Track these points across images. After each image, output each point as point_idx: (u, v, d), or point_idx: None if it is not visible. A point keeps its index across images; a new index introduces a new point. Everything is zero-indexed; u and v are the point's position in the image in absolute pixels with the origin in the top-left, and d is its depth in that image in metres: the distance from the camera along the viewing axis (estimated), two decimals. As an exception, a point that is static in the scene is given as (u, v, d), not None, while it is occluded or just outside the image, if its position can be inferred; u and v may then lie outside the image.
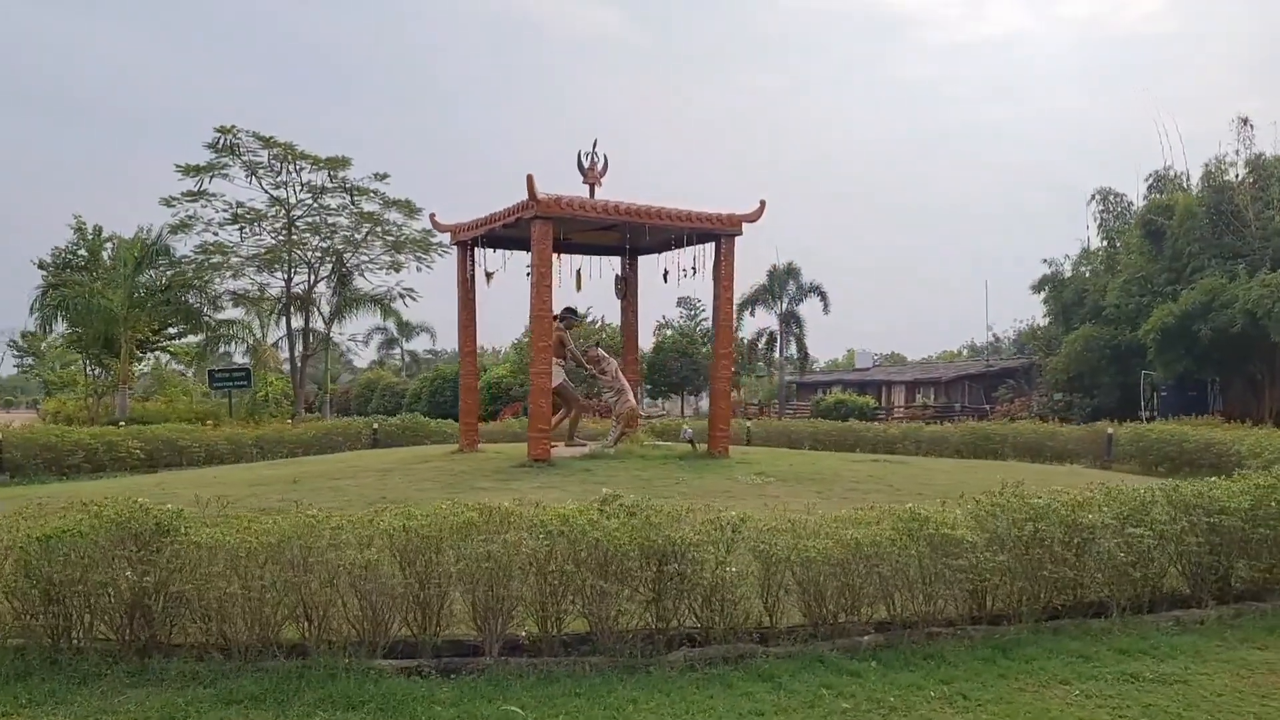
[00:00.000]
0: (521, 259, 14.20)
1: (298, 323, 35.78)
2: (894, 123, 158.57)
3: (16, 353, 67.96)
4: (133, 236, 34.65)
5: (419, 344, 67.98)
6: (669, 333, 47.35)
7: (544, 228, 12.68)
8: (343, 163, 32.31)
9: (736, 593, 5.91)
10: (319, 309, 36.30)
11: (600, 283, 15.95)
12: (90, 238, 37.09)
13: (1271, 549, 7.14)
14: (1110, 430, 18.79)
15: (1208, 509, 7.01)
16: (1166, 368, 30.86)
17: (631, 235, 14.11)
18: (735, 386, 58.74)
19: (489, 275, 14.57)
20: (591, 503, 6.34)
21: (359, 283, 36.04)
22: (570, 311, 14.83)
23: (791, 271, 46.78)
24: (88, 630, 5.68)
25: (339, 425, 23.33)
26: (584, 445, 14.51)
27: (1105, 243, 39.59)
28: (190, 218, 32.43)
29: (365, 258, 35.38)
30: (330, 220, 34.08)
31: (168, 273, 33.99)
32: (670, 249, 14.55)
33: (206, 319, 35.65)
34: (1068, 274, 39.80)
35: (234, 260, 33.60)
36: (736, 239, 13.88)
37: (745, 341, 50.71)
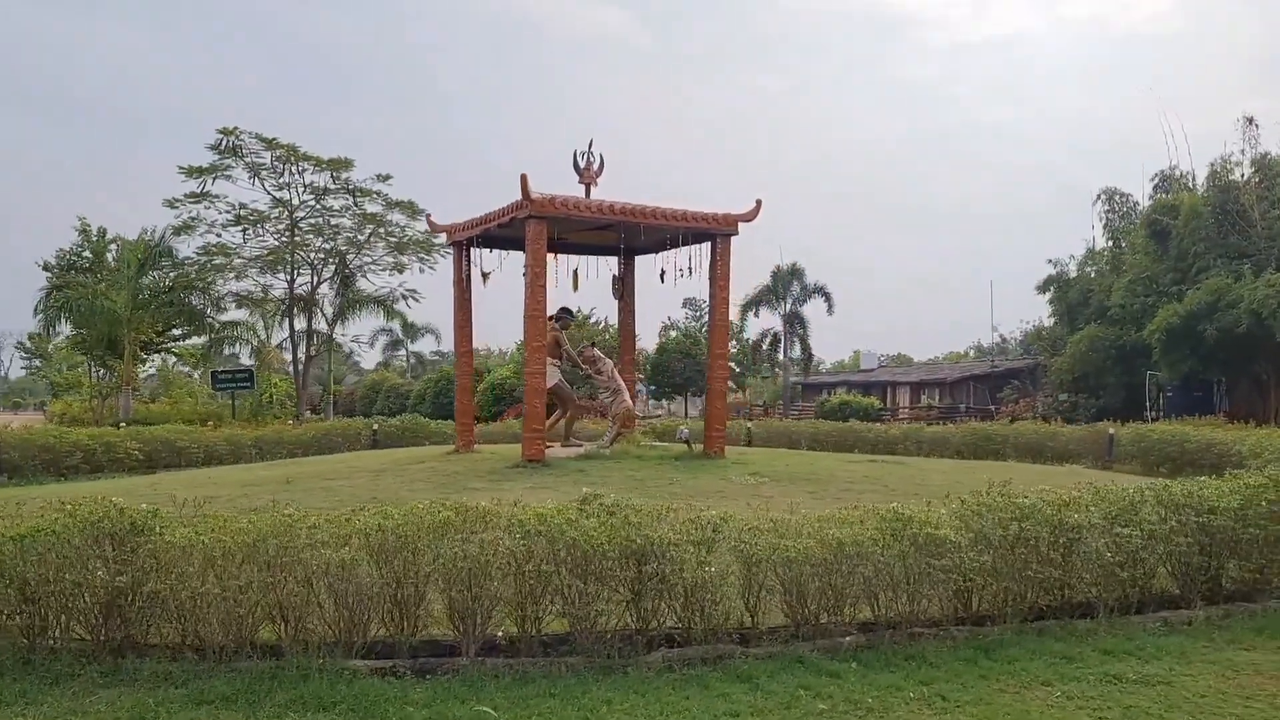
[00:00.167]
0: (519, 259, 14.16)
1: (300, 324, 35.85)
2: (895, 123, 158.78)
3: (24, 355, 68.33)
4: (136, 238, 34.69)
5: (424, 345, 68.16)
6: (673, 334, 47.31)
7: (538, 227, 12.64)
8: (345, 164, 32.31)
9: (717, 593, 5.86)
10: (322, 310, 36.35)
11: (601, 284, 15.95)
12: (94, 239, 37.19)
13: (1261, 549, 7.07)
14: (1111, 431, 18.69)
15: (1197, 509, 6.94)
16: (1171, 368, 30.71)
17: (627, 235, 14.07)
18: (741, 388, 58.80)
19: (485, 275, 14.56)
20: (571, 502, 6.29)
21: (362, 284, 36.10)
22: (566, 311, 14.80)
23: (795, 272, 46.69)
24: (65, 630, 5.67)
25: (338, 426, 23.33)
26: (580, 446, 14.48)
27: (1110, 243, 39.47)
28: (193, 219, 32.48)
29: (368, 259, 35.43)
30: (333, 222, 34.09)
31: (171, 274, 34.05)
32: (667, 249, 14.52)
33: (210, 320, 35.70)
34: (1073, 274, 39.69)
35: (237, 262, 33.64)
36: (733, 239, 13.84)
37: (750, 342, 50.68)
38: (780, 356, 49.93)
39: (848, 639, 6.01)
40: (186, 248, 33.65)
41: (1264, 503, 7.04)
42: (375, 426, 22.30)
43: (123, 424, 23.56)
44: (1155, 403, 31.98)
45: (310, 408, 41.64)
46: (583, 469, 12.33)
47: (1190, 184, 36.28)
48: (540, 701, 5.05)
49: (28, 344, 60.95)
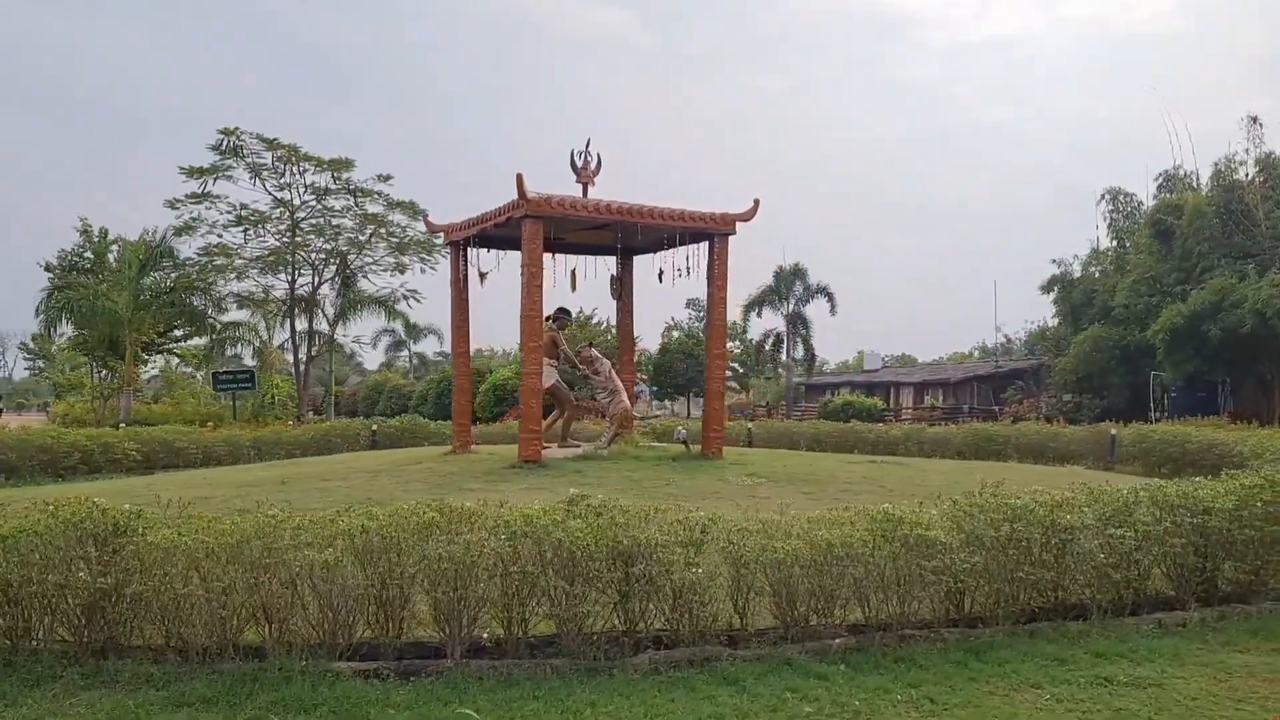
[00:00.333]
0: (517, 259, 14.09)
1: (302, 325, 35.86)
2: (895, 123, 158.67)
3: (28, 356, 68.47)
4: (138, 239, 34.74)
5: (427, 346, 68.10)
6: (676, 334, 47.25)
7: (534, 227, 12.60)
8: (346, 164, 32.32)
9: (705, 595, 5.81)
10: (323, 311, 36.35)
11: (601, 284, 15.88)
12: (96, 240, 37.22)
13: (1257, 550, 7.00)
14: (1113, 431, 18.60)
15: (1191, 510, 6.87)
16: (1176, 368, 30.61)
17: (624, 235, 14.01)
18: (745, 388, 58.73)
19: (483, 276, 14.51)
20: (558, 503, 6.25)
21: (363, 284, 36.11)
22: (563, 312, 14.75)
23: (798, 272, 46.60)
24: (49, 631, 5.63)
25: (337, 427, 23.29)
26: (577, 446, 14.44)
27: (1115, 243, 39.37)
28: (195, 220, 32.50)
29: (369, 259, 35.42)
30: (334, 222, 34.10)
31: (172, 275, 34.05)
32: (664, 249, 14.47)
33: (211, 321, 35.71)
34: (1077, 274, 39.59)
35: (238, 262, 33.63)
36: (732, 239, 13.79)
37: (753, 343, 50.61)
38: (783, 357, 49.85)
39: (837, 641, 5.95)
40: (188, 248, 33.74)
41: (1259, 504, 6.98)
42: (374, 427, 22.26)
43: (122, 425, 23.55)
44: (1160, 403, 31.85)
45: (313, 409, 41.64)
46: (579, 470, 12.29)
47: (1194, 184, 36.19)
48: (524, 704, 5.00)
49: (31, 345, 61.08)
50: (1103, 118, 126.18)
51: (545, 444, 14.13)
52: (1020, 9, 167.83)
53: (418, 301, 37.02)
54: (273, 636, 5.54)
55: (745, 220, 13.75)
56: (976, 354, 66.09)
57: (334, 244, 34.65)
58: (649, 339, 50.47)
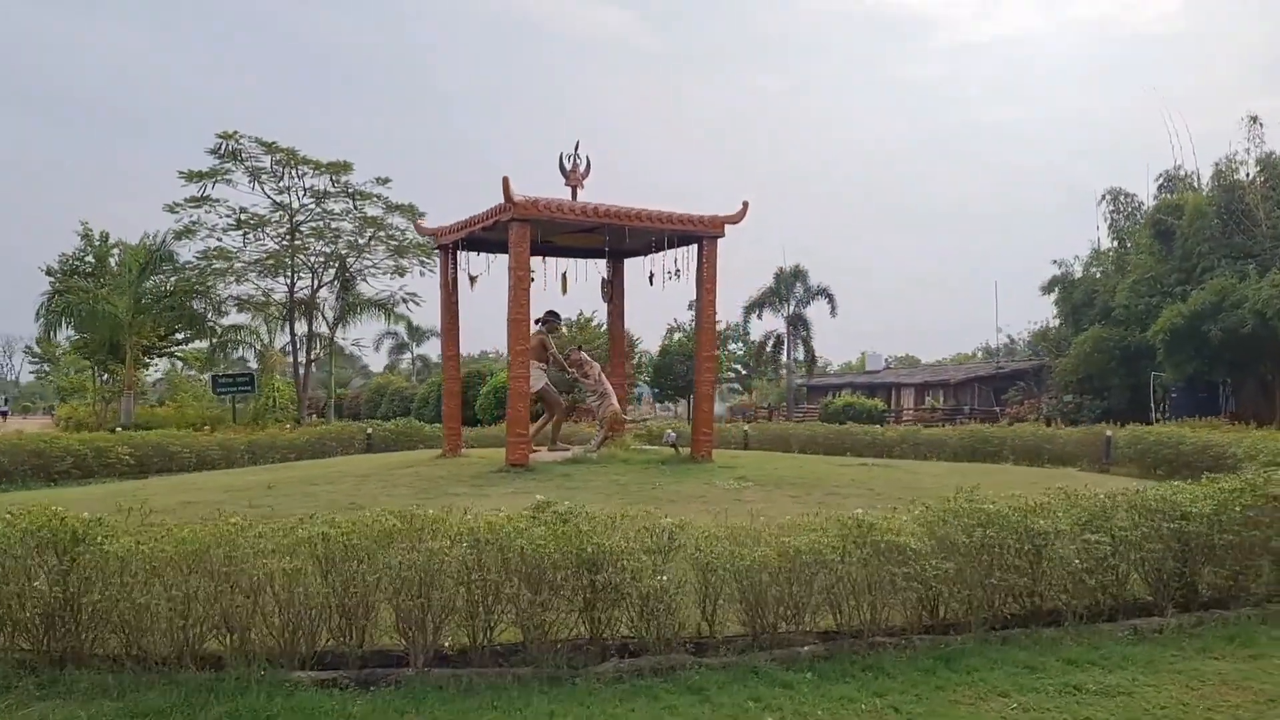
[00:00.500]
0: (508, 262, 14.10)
1: (301, 328, 35.85)
2: (896, 123, 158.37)
3: (33, 359, 68.67)
4: (138, 242, 34.81)
5: (430, 349, 68.11)
6: (678, 336, 47.16)
7: (521, 230, 12.57)
8: (344, 167, 32.34)
9: (672, 602, 5.75)
10: (323, 314, 36.35)
11: (597, 287, 15.85)
12: (97, 244, 37.29)
13: (1236, 555, 6.92)
14: (1109, 433, 18.48)
15: (1169, 514, 6.80)
16: (1176, 369, 30.44)
17: (613, 238, 14.00)
18: (748, 390, 58.66)
19: (473, 279, 14.49)
20: (522, 510, 6.20)
21: (362, 287, 36.09)
22: (553, 314, 14.71)
23: (798, 274, 46.50)
24: (9, 640, 5.58)
25: (332, 430, 23.26)
26: (567, 450, 14.40)
27: (1115, 243, 39.20)
28: (194, 223, 32.55)
29: (368, 262, 35.42)
30: (333, 225, 34.10)
31: (172, 279, 34.09)
32: (653, 251, 14.44)
33: (211, 324, 35.75)
34: (1078, 274, 39.43)
35: (237, 265, 33.65)
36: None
37: (754, 344, 50.53)
38: (784, 358, 49.76)
39: (806, 649, 5.88)
40: (187, 252, 33.78)
41: (1238, 508, 6.89)
42: (369, 431, 22.25)
43: (118, 428, 23.56)
44: (1161, 405, 31.69)
45: (316, 412, 41.67)
46: (567, 473, 12.25)
47: (1195, 184, 36.00)
48: (481, 714, 4.95)
49: (36, 348, 61.27)
50: (1104, 118, 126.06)
51: (535, 447, 14.12)
52: (1022, 9, 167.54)
53: (417, 304, 37.05)
54: (234, 646, 5.49)
55: (734, 223, 13.72)
56: (980, 355, 65.92)
57: (333, 247, 34.66)
58: (650, 341, 50.47)
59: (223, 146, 31.08)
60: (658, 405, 52.98)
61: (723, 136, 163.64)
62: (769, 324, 49.08)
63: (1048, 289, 39.75)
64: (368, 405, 53.14)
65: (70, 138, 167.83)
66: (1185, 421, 21.95)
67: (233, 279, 34.14)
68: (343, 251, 34.77)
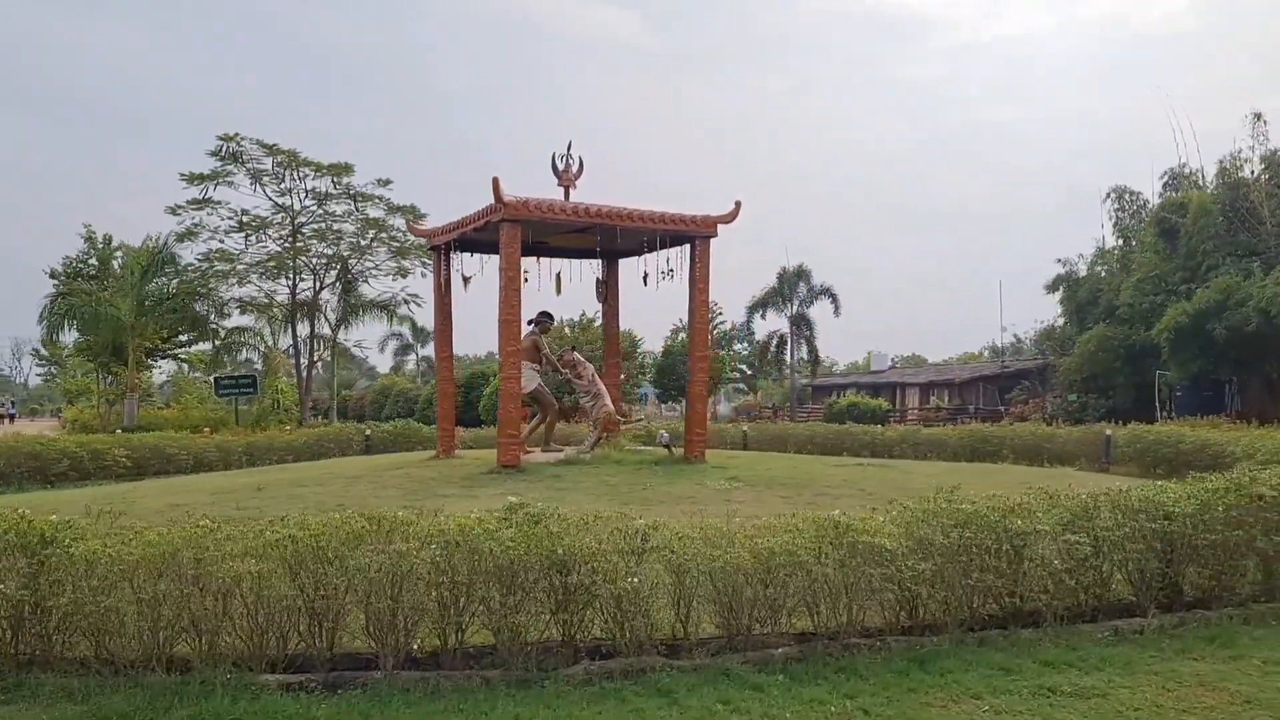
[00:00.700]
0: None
1: (303, 330, 35.91)
2: (896, 123, 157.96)
3: (40, 362, 68.95)
4: (140, 244, 34.91)
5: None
6: (681, 336, 47.06)
7: (512, 230, 12.54)
8: (346, 169, 32.39)
9: (644, 604, 5.70)
10: (325, 315, 36.39)
11: (591, 288, 15.84)
12: (100, 246, 37.40)
13: (1219, 554, 6.84)
14: (1108, 432, 18.38)
15: (1152, 514, 6.73)
16: (1181, 367, 30.27)
17: (605, 238, 13.94)
18: (753, 390, 58.55)
19: (466, 280, 14.46)
20: (492, 511, 6.16)
21: (364, 289, 36.12)
22: (546, 315, 14.67)
23: (802, 274, 46.42)
24: (-18, 644, 5.57)
25: (330, 431, 23.27)
26: (560, 451, 14.36)
27: (1120, 241, 39.02)
28: (196, 225, 32.63)
29: (370, 264, 35.44)
30: (335, 227, 34.14)
31: (174, 281, 34.16)
32: (646, 251, 14.39)
33: (214, 326, 35.82)
34: (1083, 273, 39.26)
35: (239, 268, 33.71)
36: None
37: (759, 345, 50.43)
38: (788, 358, 49.67)
39: (780, 651, 5.83)
40: (189, 254, 33.85)
41: (1221, 507, 6.82)
42: (368, 432, 22.25)
43: (118, 430, 23.59)
44: (1166, 403, 31.52)
45: (321, 414, 41.71)
46: (558, 474, 12.21)
47: (1200, 182, 35.81)
48: (447, 717, 4.92)
49: (43, 351, 61.50)
50: (1106, 117, 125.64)
51: (529, 449, 14.10)
52: (1030, 8, 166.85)
53: (419, 305, 37.08)
54: (203, 649, 5.46)
55: (726, 222, 13.66)
56: (986, 354, 65.73)
57: (335, 249, 34.70)
58: (653, 341, 50.35)
59: (224, 149, 31.16)
60: (663, 406, 52.89)
61: (723, 136, 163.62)
62: (773, 324, 49.07)
63: (1052, 287, 39.59)
64: (372, 407, 53.23)
65: (70, 138, 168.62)
66: (1186, 420, 21.81)
67: (235, 281, 34.24)
68: (345, 253, 34.81)
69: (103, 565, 5.34)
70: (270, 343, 39.87)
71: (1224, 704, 5.19)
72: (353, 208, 33.48)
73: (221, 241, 33.06)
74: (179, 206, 32.10)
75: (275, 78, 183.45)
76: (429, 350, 68.05)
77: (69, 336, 36.77)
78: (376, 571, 5.39)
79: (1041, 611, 6.43)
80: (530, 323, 14.05)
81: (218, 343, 37.60)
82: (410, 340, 63.60)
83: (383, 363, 78.38)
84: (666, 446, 14.15)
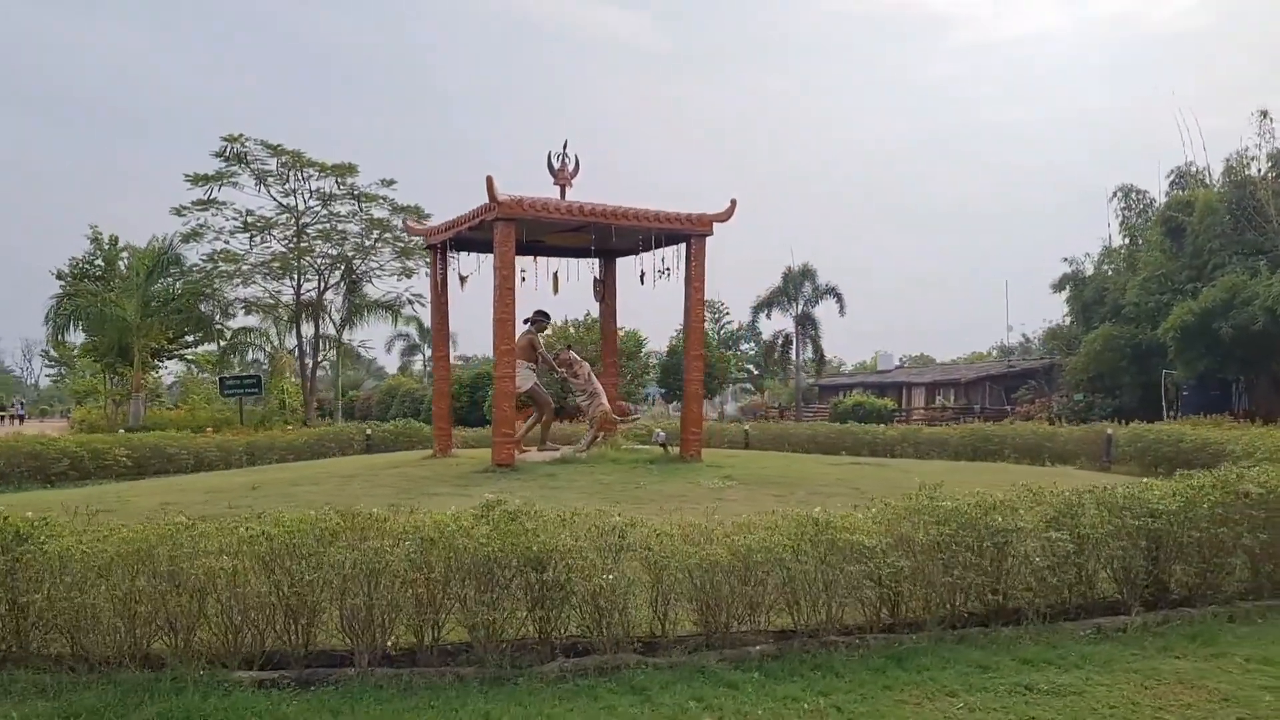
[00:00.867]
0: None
1: (308, 330, 35.98)
2: (896, 123, 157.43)
3: (50, 363, 69.23)
4: (145, 246, 35.03)
5: (443, 350, 68.02)
6: (684, 336, 47.05)
7: (506, 229, 12.53)
8: (350, 169, 32.48)
9: (620, 601, 5.68)
10: (330, 316, 36.46)
11: (588, 287, 15.82)
12: (106, 248, 37.54)
13: (1205, 552, 6.79)
14: (1109, 431, 18.30)
15: (1136, 511, 6.68)
16: (1187, 367, 30.12)
17: (601, 237, 13.92)
18: (760, 390, 58.48)
19: (463, 279, 14.44)
20: (469, 509, 6.15)
21: (369, 289, 36.21)
22: (542, 314, 14.65)
23: (807, 273, 46.29)
24: (-40, 641, 5.58)
25: (331, 431, 23.33)
26: (556, 450, 14.34)
27: (1127, 240, 38.87)
28: (201, 226, 32.76)
29: (375, 264, 35.52)
30: (340, 227, 34.23)
31: (179, 281, 34.29)
32: (642, 250, 14.37)
33: (219, 327, 35.94)
34: (1089, 272, 39.12)
35: (244, 268, 33.82)
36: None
37: (765, 344, 50.34)
38: (793, 358, 49.57)
39: (757, 648, 5.81)
40: (194, 255, 34.00)
41: (1206, 504, 6.78)
42: (369, 431, 22.30)
43: (120, 430, 23.68)
44: (1173, 403, 31.37)
45: (328, 413, 41.79)
46: (552, 473, 12.20)
47: (1206, 180, 35.63)
48: (418, 714, 4.90)
49: (52, 352, 61.73)
50: (1111, 117, 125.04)
51: (525, 448, 14.09)
52: (1031, 8, 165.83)
53: (423, 305, 37.10)
54: (178, 646, 5.46)
55: (722, 221, 13.63)
56: (994, 354, 65.53)
57: (340, 249, 34.77)
58: (658, 340, 50.32)
59: (228, 149, 31.25)
60: (670, 406, 52.84)
61: (723, 136, 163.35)
62: (778, 323, 48.94)
63: (1059, 287, 39.48)
64: (379, 407, 53.29)
65: (70, 138, 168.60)
66: (1189, 419, 21.71)
67: (240, 281, 34.36)
68: (349, 253, 34.88)
69: (76, 562, 5.34)
70: (276, 343, 39.98)
71: (1201, 701, 5.14)
72: (357, 208, 33.54)
73: (226, 242, 33.25)
74: (184, 207, 32.25)
75: (275, 78, 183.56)
76: (437, 350, 68.13)
77: (75, 337, 36.94)
78: (351, 568, 5.38)
79: (1024, 609, 6.40)
80: (526, 321, 14.04)
81: (223, 343, 37.72)
82: (417, 340, 63.60)
83: (390, 363, 78.53)
84: (663, 445, 14.13)
